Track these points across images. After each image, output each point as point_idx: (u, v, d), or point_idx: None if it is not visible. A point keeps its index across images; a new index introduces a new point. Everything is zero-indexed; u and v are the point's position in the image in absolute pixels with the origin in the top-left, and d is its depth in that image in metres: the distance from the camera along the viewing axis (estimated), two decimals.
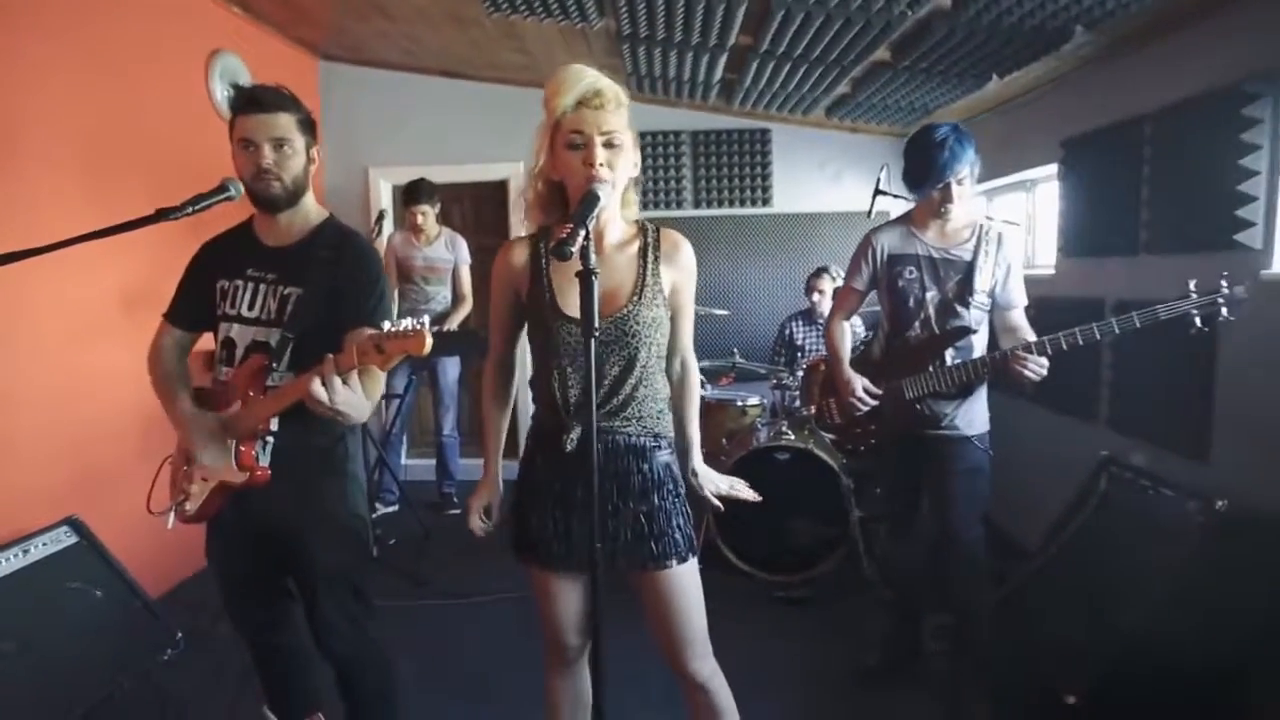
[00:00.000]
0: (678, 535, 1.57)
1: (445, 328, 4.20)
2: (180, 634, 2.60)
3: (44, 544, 2.41)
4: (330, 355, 1.55)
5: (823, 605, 3.20)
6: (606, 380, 1.54)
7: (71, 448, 2.90)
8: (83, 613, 2.41)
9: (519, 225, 4.89)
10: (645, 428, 1.58)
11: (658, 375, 1.61)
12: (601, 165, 1.42)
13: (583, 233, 1.26)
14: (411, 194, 4.22)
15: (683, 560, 1.57)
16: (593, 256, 1.29)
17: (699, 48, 3.39)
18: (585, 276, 1.29)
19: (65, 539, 2.48)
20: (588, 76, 1.44)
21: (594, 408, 1.33)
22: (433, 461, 4.64)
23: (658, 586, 1.58)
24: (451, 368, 4.39)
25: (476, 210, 5.21)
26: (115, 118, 3.15)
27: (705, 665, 1.62)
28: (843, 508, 3.28)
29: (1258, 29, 2.28)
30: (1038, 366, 2.17)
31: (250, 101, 1.73)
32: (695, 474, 1.70)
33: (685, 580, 1.59)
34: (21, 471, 2.66)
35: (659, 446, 1.60)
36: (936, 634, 2.65)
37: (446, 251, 4.33)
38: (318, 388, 1.51)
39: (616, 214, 1.56)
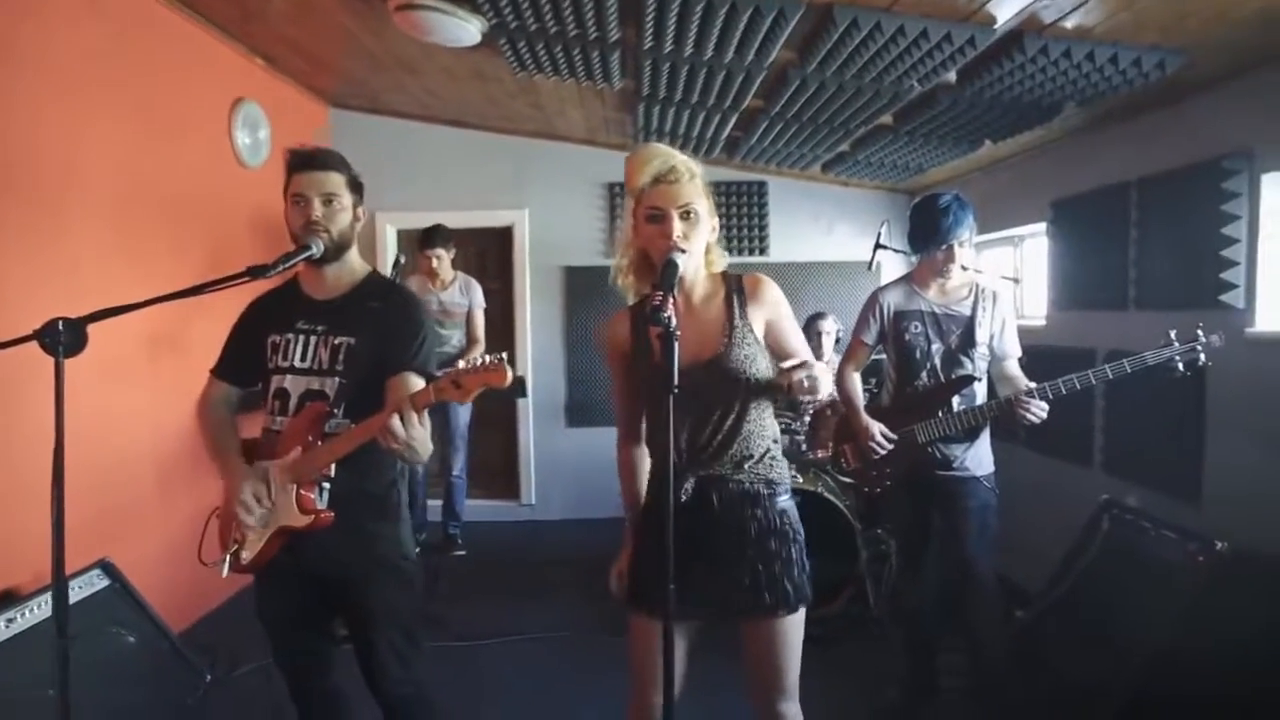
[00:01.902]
0: (788, 585, 1.62)
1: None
2: (208, 675, 2.61)
3: (78, 587, 2.40)
4: (408, 394, 1.64)
5: (834, 644, 3.27)
6: (711, 423, 1.62)
7: (91, 489, 2.89)
8: (116, 657, 2.41)
9: (524, 270, 5.14)
10: (757, 474, 1.65)
11: (762, 414, 1.67)
12: (678, 236, 1.56)
13: (671, 299, 1.39)
14: (428, 238, 4.30)
15: (791, 610, 1.63)
16: (674, 320, 1.40)
17: (713, 109, 3.58)
18: (666, 338, 1.39)
19: (98, 582, 2.48)
20: (661, 155, 1.59)
21: (671, 459, 1.42)
22: (437, 502, 4.65)
23: (762, 633, 1.64)
24: (465, 409, 4.39)
25: (481, 255, 5.32)
26: (146, 167, 3.22)
27: (791, 707, 1.69)
28: (851, 549, 3.38)
29: (1236, 112, 2.52)
30: (1039, 410, 2.34)
31: (305, 161, 1.85)
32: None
33: (790, 629, 1.64)
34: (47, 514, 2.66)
35: (774, 493, 1.66)
36: (951, 670, 2.75)
37: (461, 296, 4.40)
38: (396, 423, 1.59)
39: (700, 272, 1.68)
